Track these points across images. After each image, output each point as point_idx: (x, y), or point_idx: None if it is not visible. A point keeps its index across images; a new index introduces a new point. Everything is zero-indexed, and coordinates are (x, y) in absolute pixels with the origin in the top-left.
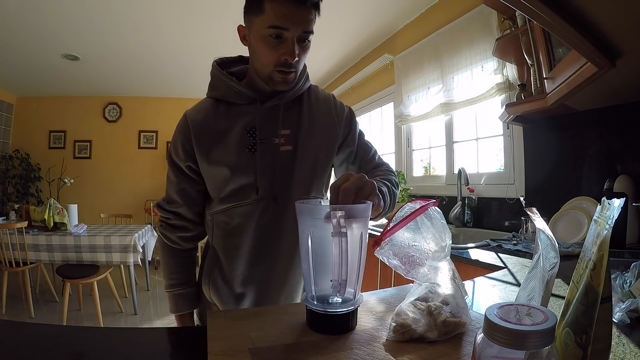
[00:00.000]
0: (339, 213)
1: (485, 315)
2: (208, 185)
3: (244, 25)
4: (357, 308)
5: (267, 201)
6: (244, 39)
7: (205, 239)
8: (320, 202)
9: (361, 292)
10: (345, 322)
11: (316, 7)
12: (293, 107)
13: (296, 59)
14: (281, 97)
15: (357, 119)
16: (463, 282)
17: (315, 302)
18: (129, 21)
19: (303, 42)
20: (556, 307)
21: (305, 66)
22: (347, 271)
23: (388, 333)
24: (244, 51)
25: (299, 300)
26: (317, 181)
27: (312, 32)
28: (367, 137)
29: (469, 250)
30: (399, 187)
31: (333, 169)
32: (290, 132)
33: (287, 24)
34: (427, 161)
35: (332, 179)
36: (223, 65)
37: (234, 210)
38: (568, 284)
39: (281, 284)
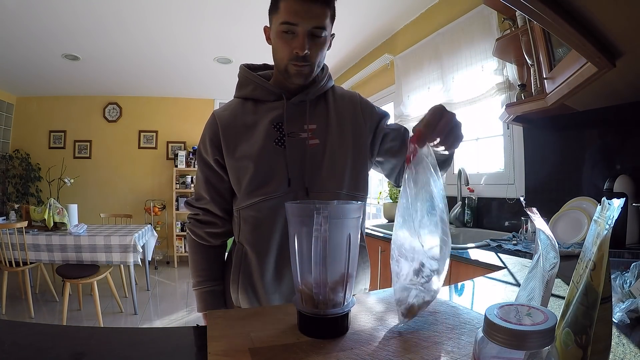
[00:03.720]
0: (322, 213)
1: (485, 315)
2: (232, 180)
3: (268, 26)
4: (347, 313)
5: (298, 193)
6: (268, 38)
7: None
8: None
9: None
10: (333, 327)
11: (327, 3)
12: (319, 104)
13: (306, 52)
14: (306, 94)
15: None
16: (463, 282)
17: (303, 305)
18: (129, 21)
19: (316, 37)
20: (556, 307)
21: (326, 66)
22: (327, 273)
23: (399, 318)
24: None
25: None
26: (350, 177)
27: (324, 28)
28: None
29: (468, 250)
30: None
31: (380, 163)
32: (317, 127)
33: (297, 19)
34: None
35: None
36: (250, 69)
37: (263, 204)
38: (568, 284)
39: None
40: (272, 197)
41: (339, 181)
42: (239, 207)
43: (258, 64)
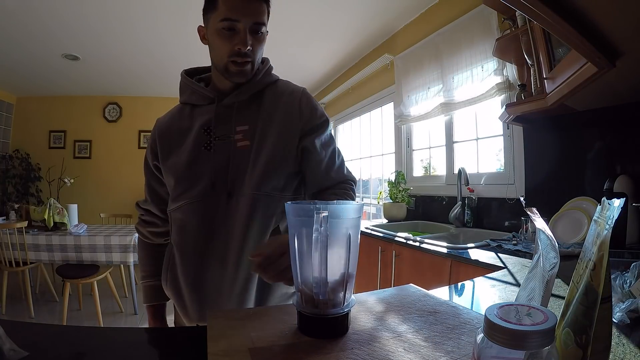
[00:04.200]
0: (322, 213)
1: (485, 315)
2: (167, 184)
3: (203, 25)
4: (347, 313)
5: (221, 197)
6: (203, 38)
7: None
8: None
9: (362, 292)
10: (333, 327)
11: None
12: (253, 103)
13: (249, 48)
14: (237, 94)
15: (357, 119)
16: (463, 282)
17: (303, 305)
18: (129, 21)
19: (256, 33)
20: (556, 307)
21: (267, 60)
22: (327, 272)
23: None
24: None
25: (251, 304)
26: (273, 175)
27: (264, 24)
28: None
29: (469, 250)
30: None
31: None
32: (249, 128)
33: (238, 16)
34: (427, 161)
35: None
36: (194, 72)
37: (188, 207)
38: (568, 284)
39: (233, 281)
40: (196, 200)
41: (257, 182)
42: (169, 209)
43: (204, 66)
